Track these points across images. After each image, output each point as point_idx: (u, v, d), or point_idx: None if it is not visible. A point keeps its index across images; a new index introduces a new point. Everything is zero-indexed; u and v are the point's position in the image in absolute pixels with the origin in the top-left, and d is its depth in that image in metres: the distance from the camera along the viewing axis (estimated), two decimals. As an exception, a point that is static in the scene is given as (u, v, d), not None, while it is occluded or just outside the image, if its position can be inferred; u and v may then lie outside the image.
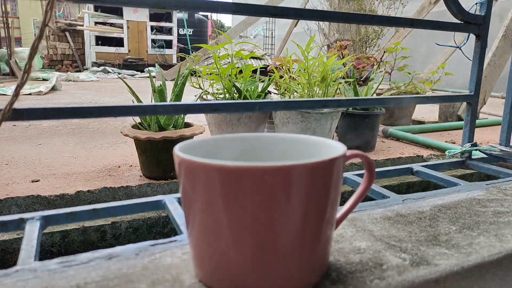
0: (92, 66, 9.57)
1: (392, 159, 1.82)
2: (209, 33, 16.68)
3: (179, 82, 1.56)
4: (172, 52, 10.68)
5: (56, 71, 9.92)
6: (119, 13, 10.00)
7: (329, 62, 1.81)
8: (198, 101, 1.79)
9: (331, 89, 1.84)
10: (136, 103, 0.61)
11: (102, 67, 9.03)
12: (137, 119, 1.69)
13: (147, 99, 1.63)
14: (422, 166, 0.97)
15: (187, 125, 1.72)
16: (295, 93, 1.89)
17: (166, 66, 9.84)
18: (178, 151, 0.41)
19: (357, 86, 2.09)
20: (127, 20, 9.92)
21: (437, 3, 6.09)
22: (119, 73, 8.70)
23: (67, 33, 10.30)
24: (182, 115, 1.67)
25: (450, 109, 2.96)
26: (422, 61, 7.45)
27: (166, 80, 7.10)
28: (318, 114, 1.76)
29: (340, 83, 1.80)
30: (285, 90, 1.92)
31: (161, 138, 1.47)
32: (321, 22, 7.72)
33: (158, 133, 1.49)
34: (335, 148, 0.47)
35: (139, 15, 10.01)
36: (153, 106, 0.61)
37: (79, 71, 9.93)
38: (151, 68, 9.29)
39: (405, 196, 0.77)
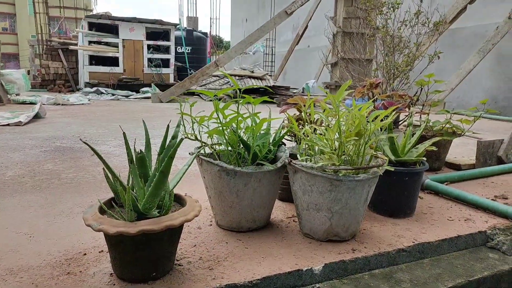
0: (85, 86, 9.17)
1: (449, 240, 1.38)
2: (208, 50, 16.40)
3: (164, 154, 1.13)
4: (169, 71, 10.29)
5: (48, 91, 9.52)
6: (114, 32, 9.64)
7: (364, 110, 1.38)
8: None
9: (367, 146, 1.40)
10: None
11: (95, 88, 8.62)
12: (110, 191, 1.25)
13: (137, 130, 1.21)
14: None
15: (178, 199, 1.28)
16: (320, 150, 1.45)
17: (162, 85, 9.43)
18: None
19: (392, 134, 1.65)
20: (123, 39, 9.53)
21: None
22: (112, 94, 8.28)
23: (60, 52, 9.92)
24: (170, 186, 1.23)
25: (489, 149, 2.53)
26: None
27: (161, 102, 6.64)
28: (353, 181, 1.32)
29: (381, 138, 1.37)
30: (306, 146, 1.48)
31: (138, 233, 1.02)
32: (327, 39, 7.36)
33: (134, 224, 1.04)
34: None
35: (135, 33, 9.65)
36: None
37: (72, 91, 9.53)
38: (146, 89, 8.89)
39: None
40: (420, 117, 2.49)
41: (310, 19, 9.97)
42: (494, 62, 6.86)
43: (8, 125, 3.91)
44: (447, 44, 7.18)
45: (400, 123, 2.23)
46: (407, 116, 2.08)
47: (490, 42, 5.80)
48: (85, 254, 1.29)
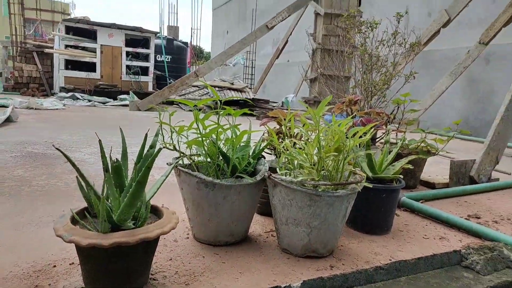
0: (60, 91, 8.94)
1: (425, 258, 1.39)
2: (188, 60, 16.34)
3: (141, 163, 1.10)
4: (148, 80, 10.18)
5: (21, 94, 9.23)
6: (92, 37, 9.48)
7: (343, 126, 1.39)
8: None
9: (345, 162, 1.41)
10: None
11: (70, 93, 8.41)
12: (83, 200, 1.21)
13: (114, 138, 1.15)
14: None
15: (154, 210, 1.25)
16: (299, 164, 1.45)
17: (141, 93, 9.31)
18: None
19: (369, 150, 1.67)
20: (101, 45, 9.38)
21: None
22: (89, 100, 8.10)
23: (35, 55, 9.66)
24: (147, 197, 1.19)
25: (462, 169, 2.60)
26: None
27: (139, 110, 6.55)
28: (332, 197, 1.32)
29: (360, 155, 1.38)
30: (286, 160, 1.48)
31: (112, 245, 0.98)
32: (307, 54, 7.48)
33: (108, 236, 1.00)
34: None
35: (114, 39, 9.51)
36: None
37: (46, 95, 9.27)
38: (124, 96, 8.75)
39: None
40: (396, 135, 2.54)
41: (290, 34, 10.13)
42: (465, 84, 7.13)
43: (-24, 128, 3.75)
44: (420, 65, 7.42)
45: (377, 140, 2.27)
46: (384, 133, 2.11)
47: (462, 65, 6.03)
48: (54, 266, 1.23)
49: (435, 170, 3.11)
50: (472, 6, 6.36)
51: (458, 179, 2.60)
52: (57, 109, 6.41)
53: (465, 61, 6.17)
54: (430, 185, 2.56)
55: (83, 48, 9.47)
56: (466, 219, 1.91)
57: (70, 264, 1.25)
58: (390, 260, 1.39)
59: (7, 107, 5.16)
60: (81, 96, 8.32)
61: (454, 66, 6.28)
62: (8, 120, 4.35)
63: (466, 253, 1.48)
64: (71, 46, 9.35)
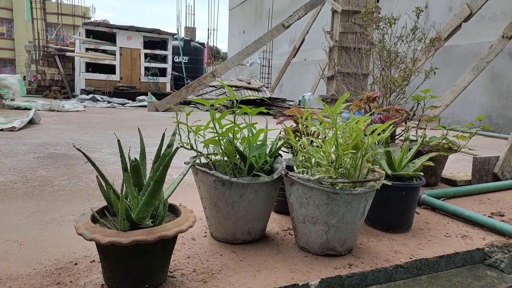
0: (81, 93, 9.13)
1: (447, 257, 1.36)
2: (205, 60, 16.46)
3: (159, 163, 1.11)
4: (166, 81, 10.30)
5: (43, 97, 9.48)
6: (112, 39, 9.65)
7: (361, 124, 1.37)
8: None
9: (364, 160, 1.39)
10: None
11: (91, 95, 8.59)
12: (103, 200, 1.23)
13: (132, 138, 1.19)
14: None
15: (172, 209, 1.26)
16: (316, 162, 1.43)
17: (159, 94, 9.43)
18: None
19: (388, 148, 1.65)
20: (120, 47, 9.55)
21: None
22: (108, 102, 8.25)
23: (56, 58, 9.90)
24: (164, 196, 1.20)
25: (485, 166, 2.53)
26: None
27: (157, 110, 6.64)
28: (350, 195, 1.31)
29: (378, 152, 1.36)
30: (303, 158, 1.47)
31: (131, 243, 1.00)
32: (324, 51, 7.42)
33: (127, 234, 1.02)
34: None
35: (133, 42, 9.66)
36: None
37: (68, 97, 9.50)
38: (143, 97, 8.88)
39: None
40: (416, 132, 2.50)
41: (307, 32, 10.07)
42: (488, 80, 6.94)
43: (1, 130, 3.87)
44: (441, 61, 7.26)
45: (396, 137, 2.23)
46: (403, 130, 2.08)
47: (484, 60, 5.87)
48: (76, 263, 1.25)
49: (457, 167, 3.04)
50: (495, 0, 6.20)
51: (481, 176, 2.53)
52: (78, 111, 6.55)
53: (488, 56, 6.01)
54: (451, 182, 2.50)
55: (103, 51, 9.65)
56: (489, 216, 1.85)
57: (91, 261, 1.27)
58: (411, 258, 1.36)
59: (30, 109, 5.30)
60: (101, 98, 8.48)
61: (477, 61, 6.13)
62: (31, 122, 4.47)
63: (490, 251, 1.44)
64: (91, 49, 9.54)
